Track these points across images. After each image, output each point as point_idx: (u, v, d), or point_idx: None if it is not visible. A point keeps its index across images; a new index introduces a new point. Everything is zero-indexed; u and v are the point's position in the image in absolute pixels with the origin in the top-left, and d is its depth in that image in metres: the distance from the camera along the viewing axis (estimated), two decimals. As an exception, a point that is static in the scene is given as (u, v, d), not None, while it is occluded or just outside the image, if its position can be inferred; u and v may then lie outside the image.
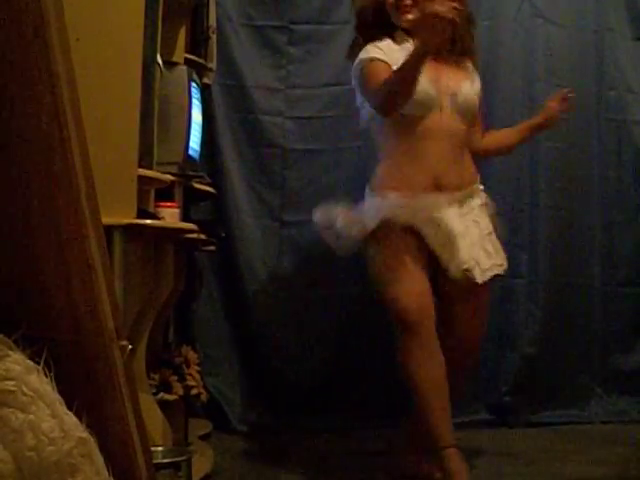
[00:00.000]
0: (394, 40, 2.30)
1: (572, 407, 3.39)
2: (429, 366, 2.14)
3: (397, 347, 2.19)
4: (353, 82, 2.33)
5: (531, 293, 3.38)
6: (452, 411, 3.24)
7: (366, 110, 2.32)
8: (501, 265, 2.32)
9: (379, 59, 2.22)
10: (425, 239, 2.20)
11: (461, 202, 2.27)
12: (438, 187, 2.24)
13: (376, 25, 2.31)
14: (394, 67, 2.13)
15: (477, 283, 2.23)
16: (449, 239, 2.21)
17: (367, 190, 2.35)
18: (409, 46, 2.20)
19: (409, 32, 2.27)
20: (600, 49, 3.49)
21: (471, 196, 2.31)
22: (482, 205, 2.34)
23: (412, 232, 2.19)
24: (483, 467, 2.60)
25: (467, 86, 2.31)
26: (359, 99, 2.35)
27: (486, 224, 2.31)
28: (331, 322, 3.24)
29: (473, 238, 2.25)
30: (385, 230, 2.19)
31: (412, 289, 2.17)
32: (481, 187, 2.38)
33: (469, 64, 2.39)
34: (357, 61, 2.27)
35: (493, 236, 2.33)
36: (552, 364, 3.37)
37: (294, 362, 3.21)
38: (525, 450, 2.85)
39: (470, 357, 2.39)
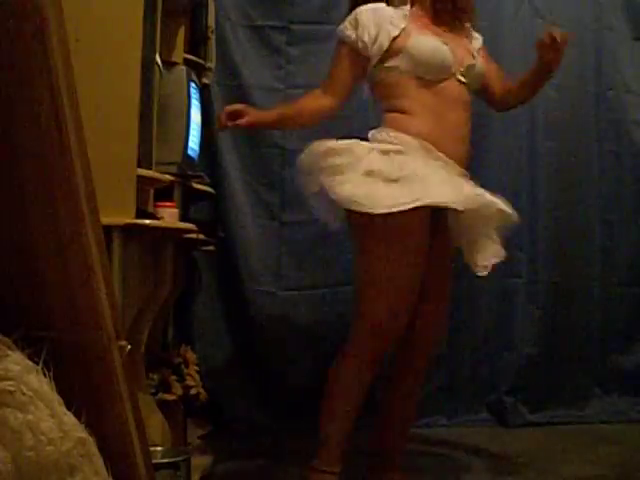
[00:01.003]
0: (391, 3, 2.23)
1: (572, 407, 3.39)
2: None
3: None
4: None
5: (530, 293, 3.38)
6: (451, 411, 3.29)
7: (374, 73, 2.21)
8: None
9: (349, 40, 2.16)
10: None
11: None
12: (460, 162, 2.14)
13: None
14: (384, 32, 2.11)
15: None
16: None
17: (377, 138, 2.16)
18: (405, 10, 2.18)
19: None
20: (599, 49, 3.49)
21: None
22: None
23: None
24: (483, 467, 2.61)
25: (479, 59, 2.24)
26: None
27: None
28: (331, 322, 3.24)
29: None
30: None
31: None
32: None
33: (468, 25, 2.30)
34: (339, 27, 2.20)
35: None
36: (552, 364, 3.38)
37: (293, 362, 3.21)
38: (525, 450, 2.85)
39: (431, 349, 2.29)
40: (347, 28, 2.17)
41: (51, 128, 1.28)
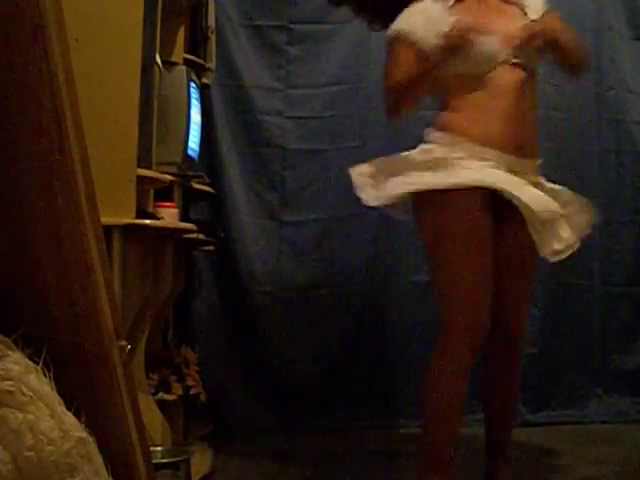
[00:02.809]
0: None
1: (571, 407, 3.38)
2: None
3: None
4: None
5: (531, 293, 3.37)
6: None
7: None
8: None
9: (406, 36, 2.00)
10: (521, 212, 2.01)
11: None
12: (518, 151, 2.05)
13: None
14: (428, 33, 1.94)
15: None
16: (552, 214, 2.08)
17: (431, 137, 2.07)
18: (448, 4, 2.03)
19: None
20: (599, 49, 3.48)
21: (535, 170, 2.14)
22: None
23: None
24: (482, 467, 2.60)
25: (526, 24, 2.01)
26: None
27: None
28: (331, 322, 3.24)
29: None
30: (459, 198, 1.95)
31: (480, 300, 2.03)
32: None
33: None
34: (389, 30, 2.08)
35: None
36: (552, 364, 3.37)
37: (293, 362, 3.21)
38: (524, 450, 2.84)
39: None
40: (401, 22, 2.04)
41: (51, 128, 1.28)
